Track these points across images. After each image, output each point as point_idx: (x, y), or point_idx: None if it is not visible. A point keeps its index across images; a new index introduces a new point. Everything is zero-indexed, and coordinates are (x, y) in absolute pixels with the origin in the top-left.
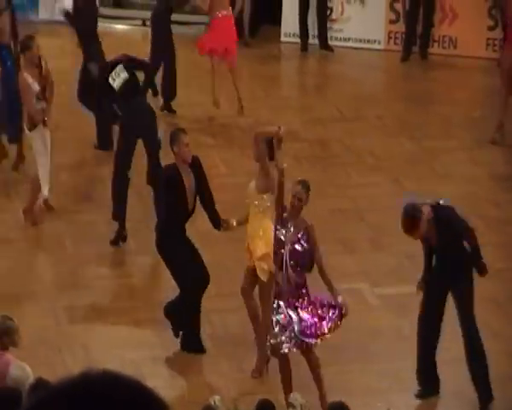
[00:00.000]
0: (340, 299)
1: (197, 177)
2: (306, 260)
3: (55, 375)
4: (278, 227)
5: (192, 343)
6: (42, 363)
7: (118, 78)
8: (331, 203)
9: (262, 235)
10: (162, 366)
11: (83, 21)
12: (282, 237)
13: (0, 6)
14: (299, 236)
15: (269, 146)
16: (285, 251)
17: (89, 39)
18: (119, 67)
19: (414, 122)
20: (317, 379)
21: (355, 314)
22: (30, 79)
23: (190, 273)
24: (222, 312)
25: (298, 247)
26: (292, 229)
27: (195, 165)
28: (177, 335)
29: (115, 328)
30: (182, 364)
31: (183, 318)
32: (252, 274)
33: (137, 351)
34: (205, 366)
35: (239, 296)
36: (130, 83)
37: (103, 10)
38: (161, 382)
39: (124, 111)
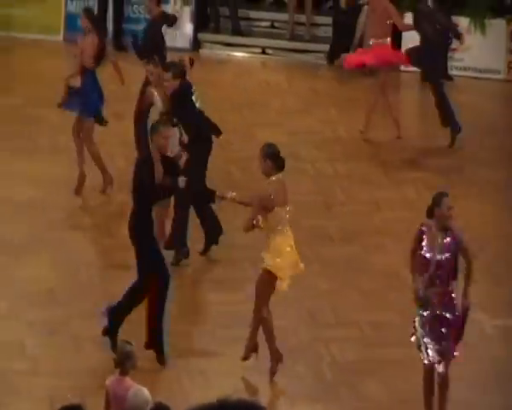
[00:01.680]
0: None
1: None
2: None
3: (175, 400)
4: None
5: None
6: (161, 388)
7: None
8: None
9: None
10: (280, 395)
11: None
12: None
13: (84, 27)
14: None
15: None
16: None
17: None
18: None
19: None
20: (443, 399)
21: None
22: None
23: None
24: (342, 340)
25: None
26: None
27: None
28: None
29: (232, 354)
30: (300, 392)
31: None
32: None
33: (254, 377)
34: (323, 395)
35: (358, 324)
36: None
37: (223, 38)
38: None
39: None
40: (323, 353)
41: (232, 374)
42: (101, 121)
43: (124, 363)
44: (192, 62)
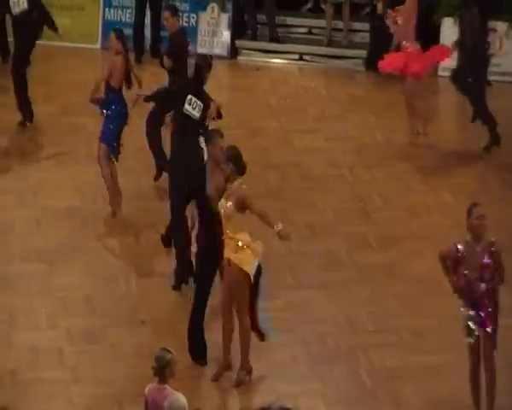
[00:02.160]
0: None
1: None
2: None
3: (214, 408)
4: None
5: None
6: (200, 396)
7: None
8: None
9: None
10: (319, 401)
11: None
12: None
13: (112, 47)
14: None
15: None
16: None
17: None
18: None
19: None
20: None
21: None
22: None
23: None
24: (380, 347)
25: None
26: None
27: None
28: None
29: (271, 362)
30: (338, 398)
31: None
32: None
33: (293, 384)
34: (362, 401)
35: (396, 331)
36: None
37: (260, 45)
38: None
39: None
40: (362, 359)
41: (270, 380)
42: (115, 153)
43: (163, 371)
44: (220, 115)
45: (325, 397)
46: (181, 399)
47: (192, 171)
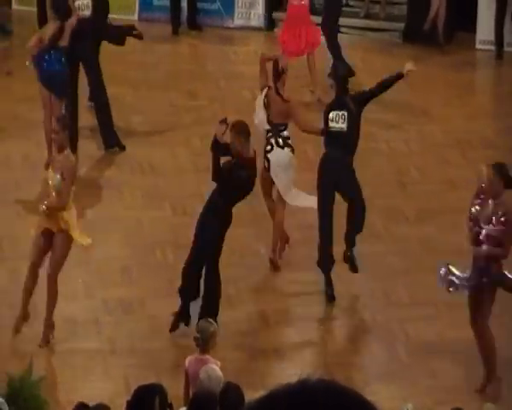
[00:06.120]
0: None
1: None
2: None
3: (250, 379)
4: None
5: None
6: (235, 368)
7: None
8: None
9: None
10: (356, 374)
11: None
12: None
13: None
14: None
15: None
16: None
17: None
18: None
19: None
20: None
21: None
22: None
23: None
24: (416, 320)
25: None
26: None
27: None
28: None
29: (307, 333)
30: (374, 371)
31: None
32: None
33: (328, 357)
34: (398, 374)
35: (433, 304)
36: None
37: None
38: None
39: None
40: (398, 332)
41: (306, 352)
42: None
43: (207, 342)
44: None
45: (361, 370)
46: (216, 369)
47: None
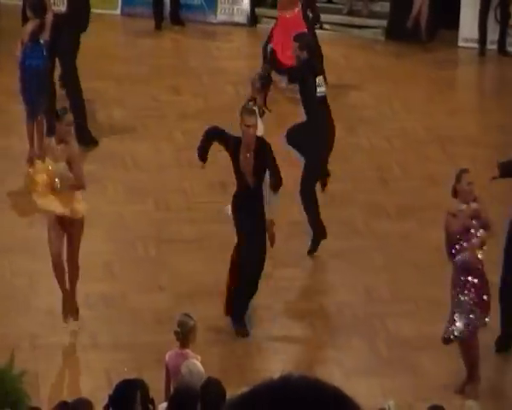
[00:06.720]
0: None
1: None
2: None
3: (231, 373)
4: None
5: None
6: (215, 362)
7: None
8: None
9: None
10: (335, 369)
11: None
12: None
13: None
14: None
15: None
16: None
17: None
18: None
19: None
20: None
21: None
22: None
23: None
24: (397, 316)
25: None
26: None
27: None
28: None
29: (289, 330)
30: (355, 366)
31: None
32: None
33: (309, 352)
34: (379, 370)
35: (413, 300)
36: None
37: None
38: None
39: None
40: (379, 328)
41: (287, 348)
42: None
43: (187, 336)
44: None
45: (342, 366)
46: (198, 364)
47: None
